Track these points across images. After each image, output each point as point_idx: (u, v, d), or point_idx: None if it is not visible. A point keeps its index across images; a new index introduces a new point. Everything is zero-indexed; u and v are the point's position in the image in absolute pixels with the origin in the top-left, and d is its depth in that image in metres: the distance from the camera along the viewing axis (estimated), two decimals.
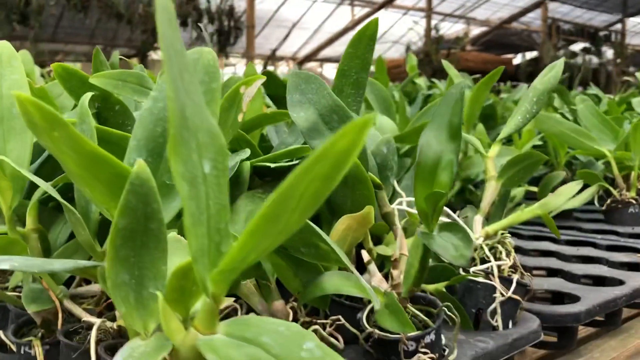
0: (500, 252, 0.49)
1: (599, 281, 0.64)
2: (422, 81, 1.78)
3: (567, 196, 0.52)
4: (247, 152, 0.52)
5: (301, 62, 9.56)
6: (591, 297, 0.54)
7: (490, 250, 0.49)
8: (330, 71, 10.25)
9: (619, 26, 9.99)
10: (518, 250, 0.78)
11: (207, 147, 0.24)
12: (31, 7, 5.57)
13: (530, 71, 8.38)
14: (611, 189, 0.93)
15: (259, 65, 7.87)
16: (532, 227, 0.91)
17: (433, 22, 8.20)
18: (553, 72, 0.59)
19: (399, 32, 8.79)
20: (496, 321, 0.47)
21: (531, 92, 0.58)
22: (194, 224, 0.22)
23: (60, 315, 0.39)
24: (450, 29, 9.02)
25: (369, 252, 0.49)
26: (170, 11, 0.23)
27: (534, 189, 0.99)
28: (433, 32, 7.99)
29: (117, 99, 0.53)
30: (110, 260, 0.27)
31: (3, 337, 0.46)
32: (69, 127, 0.25)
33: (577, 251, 0.74)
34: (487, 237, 0.50)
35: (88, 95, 0.39)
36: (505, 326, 0.48)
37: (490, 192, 0.53)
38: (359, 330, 0.42)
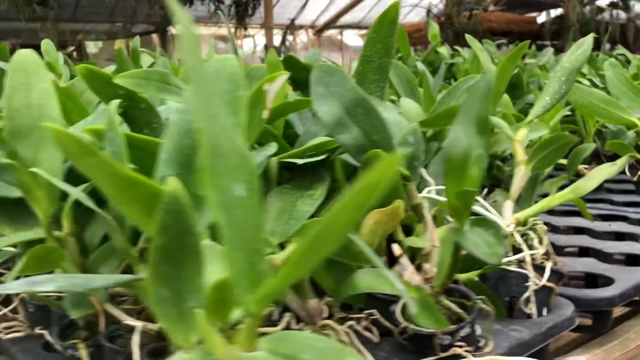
0: (532, 239, 0.49)
1: (633, 259, 0.64)
2: (444, 50, 1.75)
3: (599, 179, 0.51)
4: (274, 147, 0.52)
5: (320, 30, 9.46)
6: (625, 279, 0.54)
7: (522, 237, 0.49)
8: (350, 38, 10.13)
9: None
10: (549, 226, 0.77)
11: (239, 170, 0.24)
12: None
13: (555, 30, 8.17)
14: None
15: (277, 36, 7.81)
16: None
17: None
18: (582, 49, 0.57)
19: None
20: (530, 309, 0.47)
21: (559, 72, 0.57)
22: (233, 249, 0.23)
23: (101, 319, 0.40)
24: None
25: (400, 244, 0.49)
26: (194, 38, 0.23)
27: (564, 161, 0.97)
28: None
29: (141, 97, 0.53)
30: (151, 277, 0.28)
31: (49, 338, 0.47)
32: (101, 155, 0.25)
33: (609, 227, 0.74)
34: (518, 223, 0.50)
35: (115, 102, 0.40)
36: (539, 313, 0.48)
37: (519, 177, 0.52)
38: (393, 324, 0.43)
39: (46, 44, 1.19)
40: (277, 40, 7.51)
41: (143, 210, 0.29)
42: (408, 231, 0.52)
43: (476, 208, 0.51)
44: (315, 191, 0.47)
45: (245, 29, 7.21)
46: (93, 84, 0.51)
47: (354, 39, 10.11)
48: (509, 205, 0.52)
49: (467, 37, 0.91)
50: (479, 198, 0.51)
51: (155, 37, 7.53)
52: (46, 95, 0.42)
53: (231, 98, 0.33)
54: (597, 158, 1.11)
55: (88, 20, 7.12)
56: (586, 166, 1.00)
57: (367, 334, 0.43)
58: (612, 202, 0.89)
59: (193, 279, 0.29)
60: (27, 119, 0.41)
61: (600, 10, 8.77)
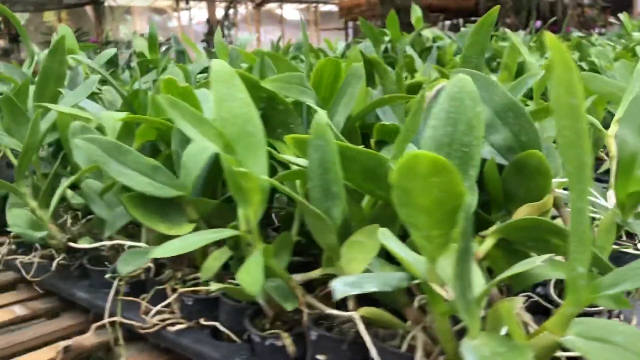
0: None
1: None
2: (427, 32, 1.83)
3: None
4: None
5: (260, 4, 9.35)
6: None
7: None
8: (289, 12, 10.05)
9: None
10: None
11: None
12: None
13: (490, 6, 8.40)
14: None
15: (220, 8, 7.67)
16: None
17: None
18: None
19: None
20: None
21: None
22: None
23: (305, 310, 0.44)
24: None
25: None
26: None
27: None
28: None
29: (281, 99, 0.56)
30: (454, 278, 0.32)
31: (223, 329, 0.50)
32: (455, 173, 0.29)
33: None
34: None
35: (323, 112, 0.43)
36: None
37: (615, 170, 0.59)
38: (551, 304, 0.49)
39: (63, 29, 1.17)
40: (219, 13, 7.37)
41: (441, 219, 0.33)
42: None
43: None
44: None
45: (187, 2, 7.04)
46: None
47: (293, 13, 10.05)
48: (611, 193, 0.58)
49: (507, 31, 0.97)
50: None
51: (89, 9, 7.22)
52: (246, 104, 0.44)
53: (473, 114, 0.37)
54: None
55: None
56: (602, 149, 1.09)
57: (526, 315, 0.49)
58: None
59: (469, 275, 0.34)
60: (235, 127, 0.43)
61: None
